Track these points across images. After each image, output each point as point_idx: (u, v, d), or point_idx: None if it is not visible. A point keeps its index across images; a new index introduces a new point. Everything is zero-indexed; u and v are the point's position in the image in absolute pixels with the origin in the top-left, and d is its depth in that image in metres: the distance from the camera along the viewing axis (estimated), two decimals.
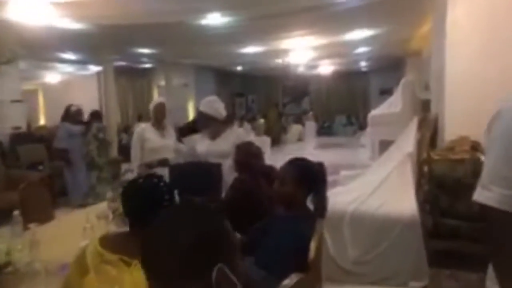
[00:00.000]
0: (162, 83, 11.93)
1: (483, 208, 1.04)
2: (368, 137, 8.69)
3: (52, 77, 12.96)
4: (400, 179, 3.55)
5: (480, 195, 1.03)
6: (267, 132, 11.82)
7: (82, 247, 1.47)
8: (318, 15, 6.41)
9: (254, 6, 5.74)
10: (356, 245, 3.21)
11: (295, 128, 14.36)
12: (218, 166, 3.17)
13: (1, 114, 6.63)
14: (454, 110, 4.25)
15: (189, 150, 3.51)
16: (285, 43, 8.74)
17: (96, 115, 6.52)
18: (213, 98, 3.55)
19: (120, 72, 11.12)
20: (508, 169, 0.94)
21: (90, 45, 8.04)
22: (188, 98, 12.55)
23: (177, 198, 2.64)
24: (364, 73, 16.72)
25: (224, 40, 7.94)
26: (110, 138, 6.81)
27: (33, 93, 13.33)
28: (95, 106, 10.12)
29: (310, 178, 1.86)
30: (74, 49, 8.86)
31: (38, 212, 3.36)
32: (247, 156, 2.70)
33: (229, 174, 3.01)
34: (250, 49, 9.37)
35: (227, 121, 3.61)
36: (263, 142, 8.48)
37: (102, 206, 2.83)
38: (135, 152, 3.77)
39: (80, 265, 1.33)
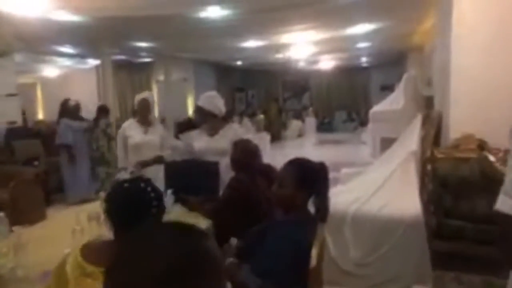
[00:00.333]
0: (161, 77, 11.79)
1: (506, 217, 0.93)
2: (369, 133, 8.57)
3: (50, 70, 12.85)
4: (403, 178, 3.44)
5: (504, 204, 0.92)
6: (267, 128, 11.70)
7: (64, 256, 1.36)
8: (319, 8, 6.28)
9: None
10: (358, 246, 3.11)
11: (295, 124, 14.25)
12: (215, 164, 3.06)
13: None
14: (459, 107, 4.13)
15: (186, 147, 3.39)
16: (285, 38, 8.61)
17: (103, 110, 6.46)
18: (212, 93, 3.44)
19: (118, 66, 11.01)
20: None
21: (88, 38, 7.91)
22: (187, 93, 12.41)
23: (168, 202, 2.56)
24: (365, 68, 16.56)
25: (224, 33, 7.80)
26: (113, 134, 6.74)
27: (31, 86, 13.23)
28: (94, 100, 10.02)
29: (312, 179, 1.74)
30: (72, 43, 8.73)
31: (29, 211, 3.27)
32: (244, 154, 2.59)
33: (227, 173, 2.90)
34: (251, 43, 9.23)
35: (226, 118, 3.51)
36: (263, 138, 8.38)
37: (94, 205, 2.72)
38: (119, 151, 3.70)
39: (60, 277, 1.22)
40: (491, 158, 3.09)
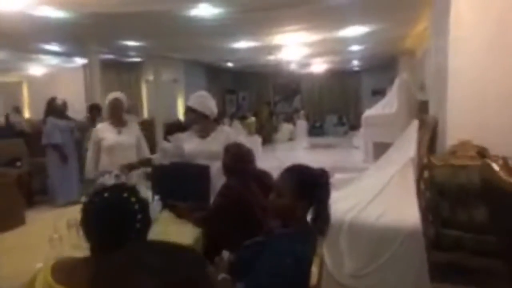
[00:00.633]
0: (151, 77, 11.58)
1: None
2: (361, 138, 8.48)
3: (37, 69, 12.58)
4: (402, 186, 3.32)
5: None
6: (258, 130, 11.56)
7: (35, 272, 1.19)
8: (312, 9, 6.18)
9: None
10: (354, 257, 2.98)
11: (286, 127, 14.13)
12: (206, 168, 2.90)
13: None
14: (456, 113, 4.04)
15: (175, 149, 3.22)
16: (277, 39, 8.49)
17: (97, 108, 6.28)
18: (204, 93, 3.28)
19: (107, 65, 10.77)
20: None
21: (74, 35, 7.69)
22: (177, 94, 12.21)
23: (155, 209, 2.39)
24: (356, 72, 16.55)
25: (215, 33, 7.66)
26: None
27: (17, 85, 12.95)
28: (81, 100, 9.80)
29: (312, 187, 1.59)
30: (57, 40, 8.50)
31: (6, 216, 3.07)
32: (236, 159, 2.44)
33: (218, 177, 2.74)
34: (242, 44, 9.09)
35: (218, 119, 3.35)
36: (254, 141, 8.23)
37: (75, 209, 2.53)
38: (90, 154, 3.55)
39: None
40: (495, 166, 2.98)
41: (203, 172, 2.87)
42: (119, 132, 3.54)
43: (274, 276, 1.45)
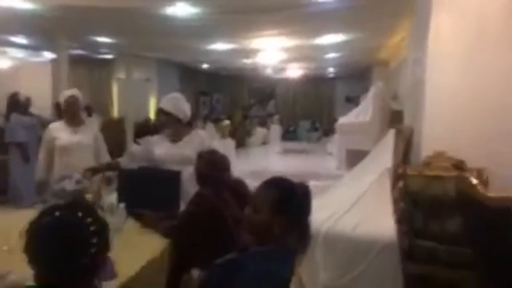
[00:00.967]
0: (122, 76, 11.25)
1: None
2: (335, 145, 8.49)
3: (2, 62, 11.99)
4: (378, 196, 3.26)
5: None
6: (232, 134, 11.42)
7: None
8: (291, 14, 6.13)
9: None
10: (329, 268, 2.89)
11: (260, 132, 14.05)
12: (176, 174, 2.74)
13: None
14: (432, 124, 4.04)
15: (144, 153, 3.04)
16: (254, 43, 8.41)
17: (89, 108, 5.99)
18: (177, 95, 3.11)
19: (76, 61, 10.37)
20: None
21: (42, 28, 7.34)
22: (149, 93, 11.90)
23: (120, 217, 2.21)
24: (331, 79, 16.71)
25: (191, 33, 7.48)
26: None
27: None
28: (48, 96, 9.37)
29: (291, 203, 1.48)
30: (24, 33, 8.11)
31: None
32: (210, 166, 2.30)
33: (190, 184, 2.58)
34: (218, 46, 8.94)
35: (191, 122, 3.19)
36: (228, 145, 8.08)
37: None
38: (41, 155, 3.33)
39: None
40: (473, 180, 2.96)
41: (173, 177, 2.71)
42: (75, 132, 3.32)
43: None
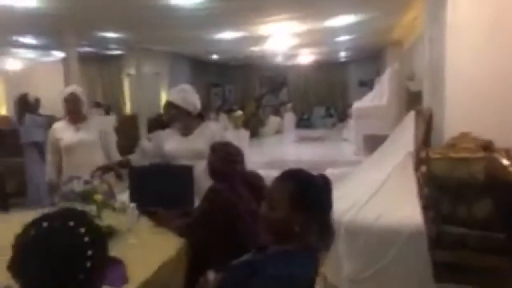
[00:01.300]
0: (132, 71, 11.19)
1: None
2: (351, 130, 8.29)
3: (14, 63, 12.08)
4: (402, 182, 3.10)
5: None
6: (245, 124, 11.28)
7: None
8: None
9: None
10: (353, 260, 2.76)
11: (273, 121, 13.84)
12: (189, 169, 2.63)
13: None
14: (454, 104, 3.85)
15: (155, 149, 2.94)
16: (263, 29, 8.21)
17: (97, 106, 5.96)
18: (185, 87, 2.97)
19: (86, 58, 10.38)
20: None
21: (50, 27, 7.29)
22: (160, 88, 11.82)
23: (132, 217, 2.10)
24: (343, 63, 16.39)
25: (198, 23, 7.34)
26: None
27: None
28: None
29: (312, 198, 1.34)
30: (33, 33, 8.09)
31: None
32: (223, 160, 2.17)
33: (204, 179, 2.47)
34: (226, 35, 8.77)
35: (202, 115, 3.07)
36: (242, 135, 7.95)
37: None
38: (48, 157, 3.26)
39: None
40: (504, 161, 2.78)
41: (186, 173, 2.61)
42: (77, 130, 3.22)
43: None
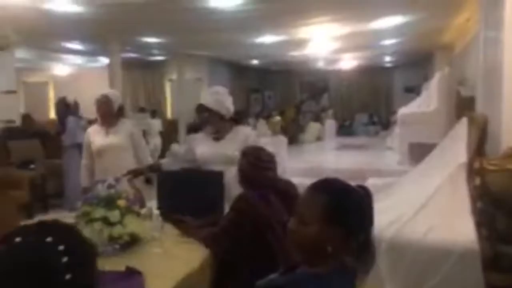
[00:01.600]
0: (174, 76, 11.37)
1: None
2: (395, 138, 7.89)
3: (62, 69, 12.64)
4: (453, 195, 2.81)
5: None
6: (284, 130, 11.09)
7: None
8: None
9: None
10: (397, 281, 2.51)
11: (314, 127, 13.52)
12: (219, 175, 2.50)
13: None
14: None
15: (186, 153, 2.83)
16: (304, 32, 8.00)
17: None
18: (219, 89, 2.85)
19: (130, 64, 10.68)
20: None
21: (95, 33, 7.50)
22: (201, 93, 11.92)
23: (156, 225, 1.98)
24: (388, 68, 15.84)
25: (237, 27, 7.29)
26: None
27: (43, 85, 13.10)
28: None
29: (349, 212, 1.15)
30: (79, 38, 8.38)
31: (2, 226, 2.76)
32: (253, 165, 2.01)
33: (234, 186, 2.32)
34: (266, 39, 8.64)
35: (237, 119, 2.94)
36: (279, 141, 7.77)
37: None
38: (83, 161, 3.30)
39: None
40: None
41: (216, 179, 2.49)
42: (107, 134, 3.23)
43: None
